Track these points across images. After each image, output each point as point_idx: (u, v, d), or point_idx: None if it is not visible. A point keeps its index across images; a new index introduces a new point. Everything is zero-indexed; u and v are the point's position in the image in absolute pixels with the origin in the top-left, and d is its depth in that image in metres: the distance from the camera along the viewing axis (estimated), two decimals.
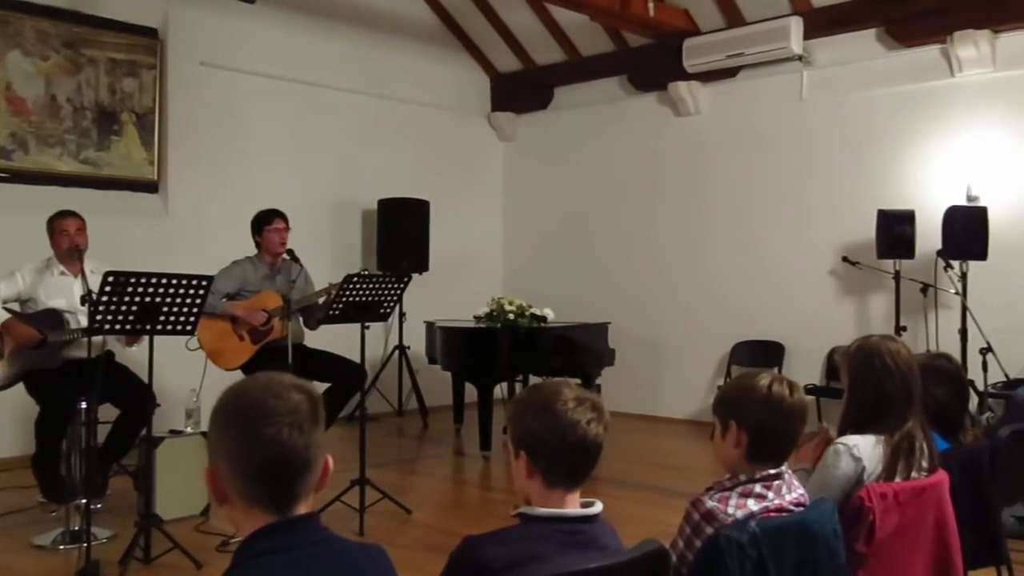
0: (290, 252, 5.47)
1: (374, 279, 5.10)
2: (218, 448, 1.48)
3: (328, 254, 7.94)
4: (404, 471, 6.50)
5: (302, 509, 1.49)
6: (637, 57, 8.56)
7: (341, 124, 8.30)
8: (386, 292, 5.09)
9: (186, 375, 5.15)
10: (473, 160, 9.56)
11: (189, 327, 4.31)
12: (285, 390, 1.47)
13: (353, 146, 8.37)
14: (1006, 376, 6.07)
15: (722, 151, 8.11)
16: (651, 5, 7.46)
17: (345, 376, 5.50)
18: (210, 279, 4.36)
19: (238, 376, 1.62)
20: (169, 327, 4.23)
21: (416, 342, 7.98)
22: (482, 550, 1.71)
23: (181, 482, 4.69)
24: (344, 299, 4.94)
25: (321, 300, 5.46)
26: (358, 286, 4.96)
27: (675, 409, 8.23)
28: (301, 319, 5.68)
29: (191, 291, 4.21)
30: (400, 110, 8.75)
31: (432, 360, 7.40)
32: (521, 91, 9.52)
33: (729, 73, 7.95)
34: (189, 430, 5.04)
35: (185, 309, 4.23)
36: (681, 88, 8.14)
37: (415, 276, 6.41)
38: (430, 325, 7.46)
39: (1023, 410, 4.55)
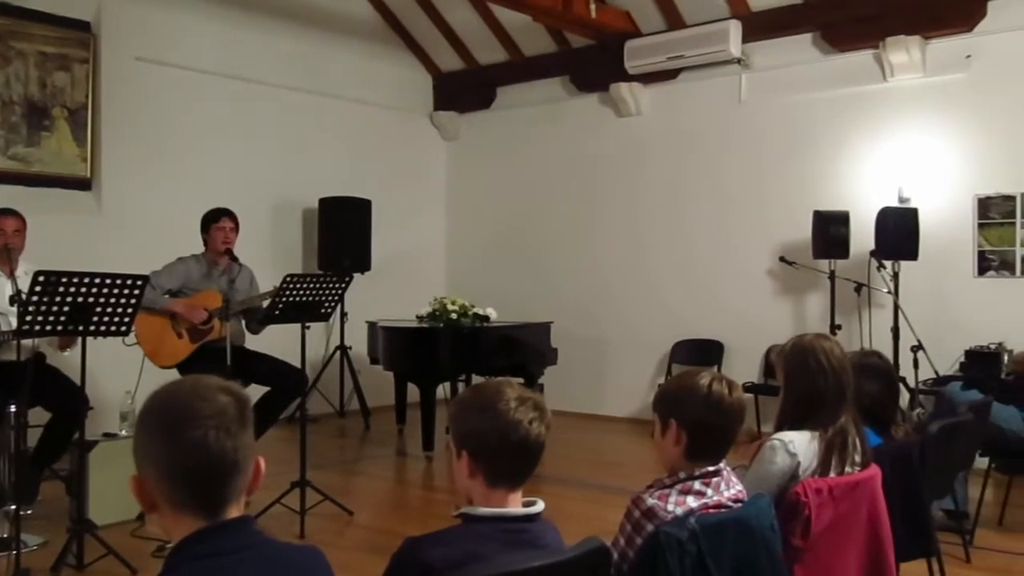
0: (228, 252, 5.38)
1: (315, 279, 5.05)
2: (144, 454, 1.44)
3: (268, 253, 7.81)
4: (346, 472, 6.44)
5: (233, 512, 1.45)
6: (579, 58, 8.62)
7: (281, 122, 8.18)
8: (327, 292, 5.05)
9: (121, 377, 5.01)
10: (415, 159, 9.51)
11: (123, 328, 4.22)
12: (211, 392, 1.43)
13: (294, 144, 8.27)
14: (936, 373, 6.24)
15: (663, 152, 8.20)
16: (593, 6, 7.52)
17: (285, 380, 5.41)
18: (145, 278, 4.27)
19: (174, 376, 1.59)
20: (103, 328, 4.13)
21: (358, 342, 7.93)
22: (424, 551, 1.71)
23: (115, 486, 4.54)
24: (285, 299, 4.88)
25: (265, 303, 5.37)
26: (299, 286, 4.91)
27: (617, 408, 8.29)
28: (243, 321, 5.59)
29: (125, 291, 4.12)
30: (342, 108, 8.67)
31: (374, 360, 7.36)
32: (464, 90, 9.51)
33: (670, 75, 8.05)
34: (124, 433, 4.91)
35: (119, 309, 4.14)
36: (623, 89, 8.21)
37: (357, 276, 6.37)
38: (372, 325, 7.42)
39: (952, 406, 4.67)
